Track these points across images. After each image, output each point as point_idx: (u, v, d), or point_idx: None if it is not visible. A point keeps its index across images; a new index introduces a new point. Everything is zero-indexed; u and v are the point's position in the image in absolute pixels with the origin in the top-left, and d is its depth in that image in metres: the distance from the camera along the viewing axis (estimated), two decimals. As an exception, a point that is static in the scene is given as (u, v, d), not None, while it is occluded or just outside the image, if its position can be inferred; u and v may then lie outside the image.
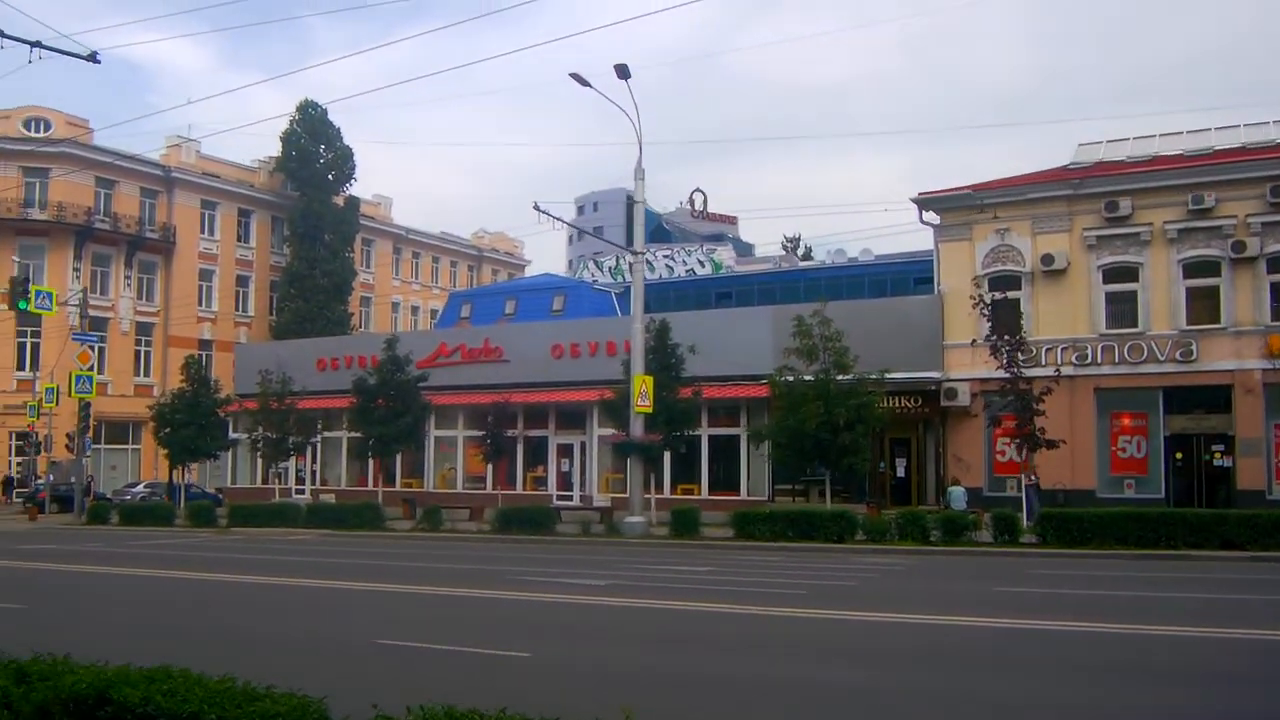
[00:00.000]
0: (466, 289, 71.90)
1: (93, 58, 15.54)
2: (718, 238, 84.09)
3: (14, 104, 53.57)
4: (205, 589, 17.32)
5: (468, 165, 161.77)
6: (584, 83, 27.03)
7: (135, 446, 56.06)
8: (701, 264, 65.22)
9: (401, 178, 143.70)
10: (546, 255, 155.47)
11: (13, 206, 51.70)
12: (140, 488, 47.48)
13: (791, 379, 28.82)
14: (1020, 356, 27.65)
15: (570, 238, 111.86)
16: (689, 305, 49.36)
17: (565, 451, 39.53)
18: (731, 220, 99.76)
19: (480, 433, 37.82)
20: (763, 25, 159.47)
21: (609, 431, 36.67)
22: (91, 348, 37.77)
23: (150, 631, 12.59)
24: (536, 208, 26.09)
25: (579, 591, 16.15)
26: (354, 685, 7.85)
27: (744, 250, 77.30)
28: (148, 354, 57.29)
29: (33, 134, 53.86)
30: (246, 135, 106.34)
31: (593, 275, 69.96)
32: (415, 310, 75.67)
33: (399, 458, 39.73)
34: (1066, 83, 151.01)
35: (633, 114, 27.67)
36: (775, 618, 13.30)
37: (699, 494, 35.67)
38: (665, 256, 67.02)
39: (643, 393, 27.55)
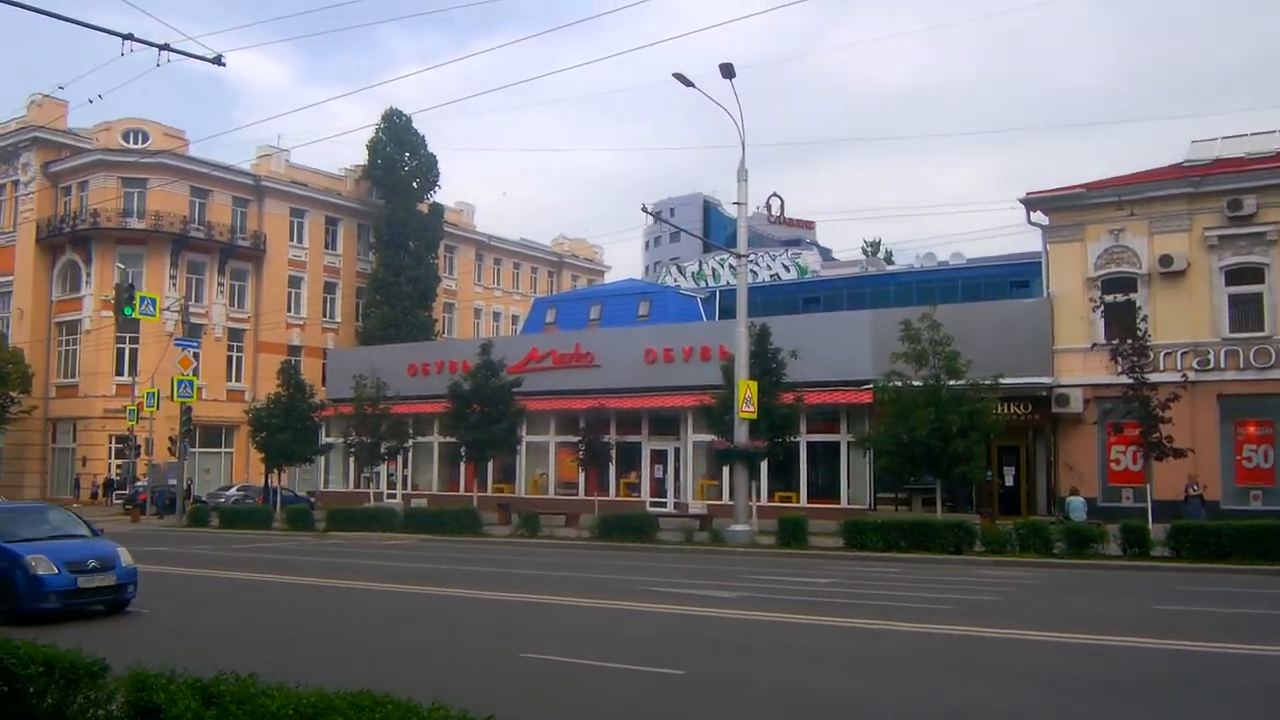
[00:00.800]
0: (551, 294, 71.90)
1: (218, 60, 15.43)
2: (795, 242, 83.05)
3: (114, 116, 54.74)
4: (331, 597, 17.08)
5: (542, 172, 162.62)
6: (687, 82, 26.59)
7: (228, 450, 56.89)
8: (786, 268, 64.41)
9: (480, 185, 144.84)
10: (621, 261, 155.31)
11: (113, 216, 52.79)
12: (233, 491, 48.08)
13: (900, 384, 27.96)
14: (1142, 361, 26.54)
15: (646, 243, 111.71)
16: (776, 310, 48.53)
17: (659, 457, 39.02)
18: (809, 225, 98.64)
19: (573, 438, 37.60)
20: (834, 31, 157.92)
21: (705, 437, 36.20)
22: (193, 354, 38.16)
23: (289, 641, 12.33)
24: (645, 209, 25.65)
25: (709, 604, 15.60)
26: (535, 709, 7.39)
27: (823, 255, 76.30)
28: (239, 359, 58.13)
29: (132, 145, 54.98)
30: (332, 144, 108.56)
31: (674, 280, 69.45)
32: (497, 316, 75.92)
33: (490, 463, 39.57)
34: (1148, 82, 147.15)
35: (735, 114, 27.11)
36: (934, 635, 12.63)
37: (797, 501, 34.89)
38: (749, 261, 66.21)
39: (747, 398, 26.94)
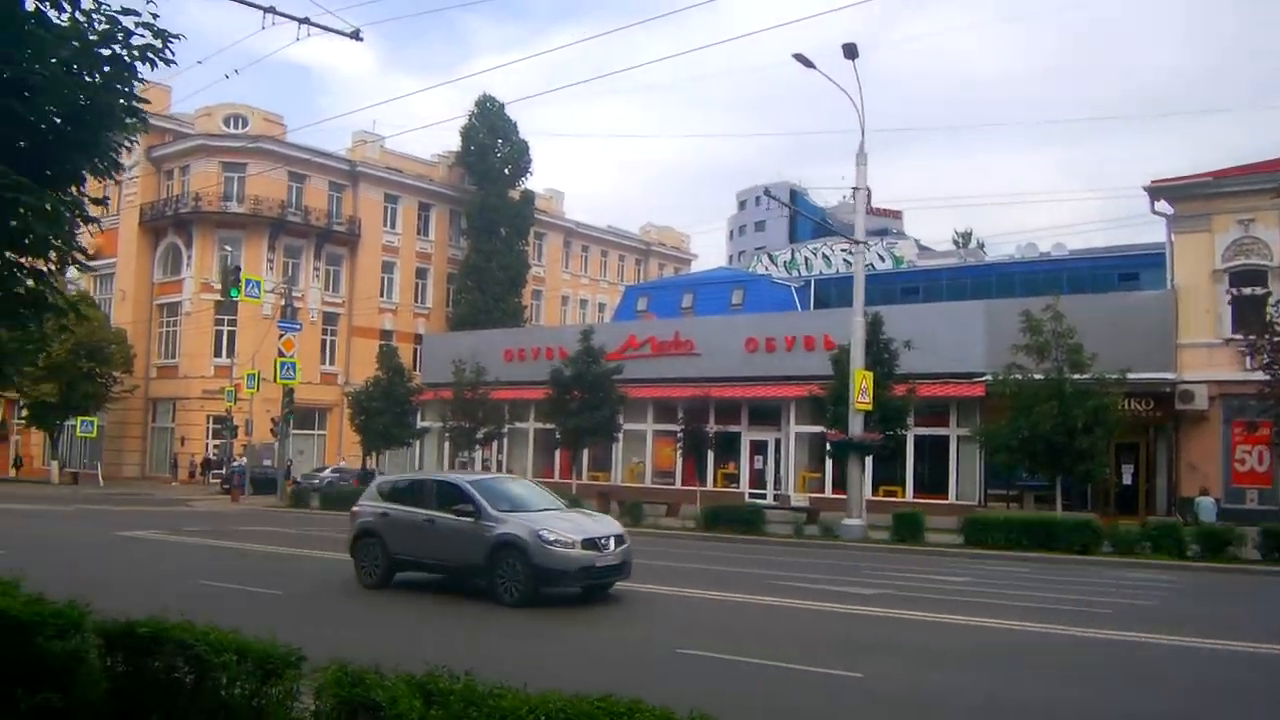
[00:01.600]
0: (642, 282, 71.56)
1: (356, 35, 15.19)
2: (883, 232, 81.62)
3: (215, 101, 55.59)
4: None
5: (624, 159, 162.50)
6: (808, 63, 25.89)
7: (321, 432, 57.59)
8: (881, 258, 63.21)
9: (565, 172, 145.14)
10: (703, 250, 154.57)
11: (213, 200, 53.64)
12: (328, 472, 48.56)
13: (1020, 377, 27.00)
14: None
15: (730, 233, 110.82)
16: (873, 300, 47.19)
17: (759, 448, 38.43)
18: (896, 215, 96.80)
19: (671, 427, 37.20)
20: (915, 20, 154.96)
21: (807, 428, 35.61)
22: (294, 337, 38.49)
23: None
24: (767, 193, 25.03)
25: (849, 601, 15.04)
26: (733, 712, 6.92)
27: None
28: (333, 343, 58.75)
29: (232, 130, 55.80)
30: (421, 130, 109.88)
31: (765, 269, 68.58)
32: (584, 303, 75.84)
33: (586, 450, 39.32)
34: (1233, 73, 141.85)
35: (856, 97, 26.30)
36: (1108, 641, 11.92)
37: (903, 496, 34.07)
38: (843, 250, 65.09)
39: (863, 389, 26.19)
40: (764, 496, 36.68)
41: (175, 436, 55.22)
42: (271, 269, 53.79)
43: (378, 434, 38.69)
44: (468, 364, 37.98)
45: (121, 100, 6.10)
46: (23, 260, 6.26)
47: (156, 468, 55.83)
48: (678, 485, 38.81)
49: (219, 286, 48.25)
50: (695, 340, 39.69)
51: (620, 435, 38.90)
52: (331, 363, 58.45)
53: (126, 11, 6.08)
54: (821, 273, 63.18)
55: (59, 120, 6.02)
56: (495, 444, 41.84)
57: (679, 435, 36.12)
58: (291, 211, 55.82)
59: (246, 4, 14.41)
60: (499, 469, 43.98)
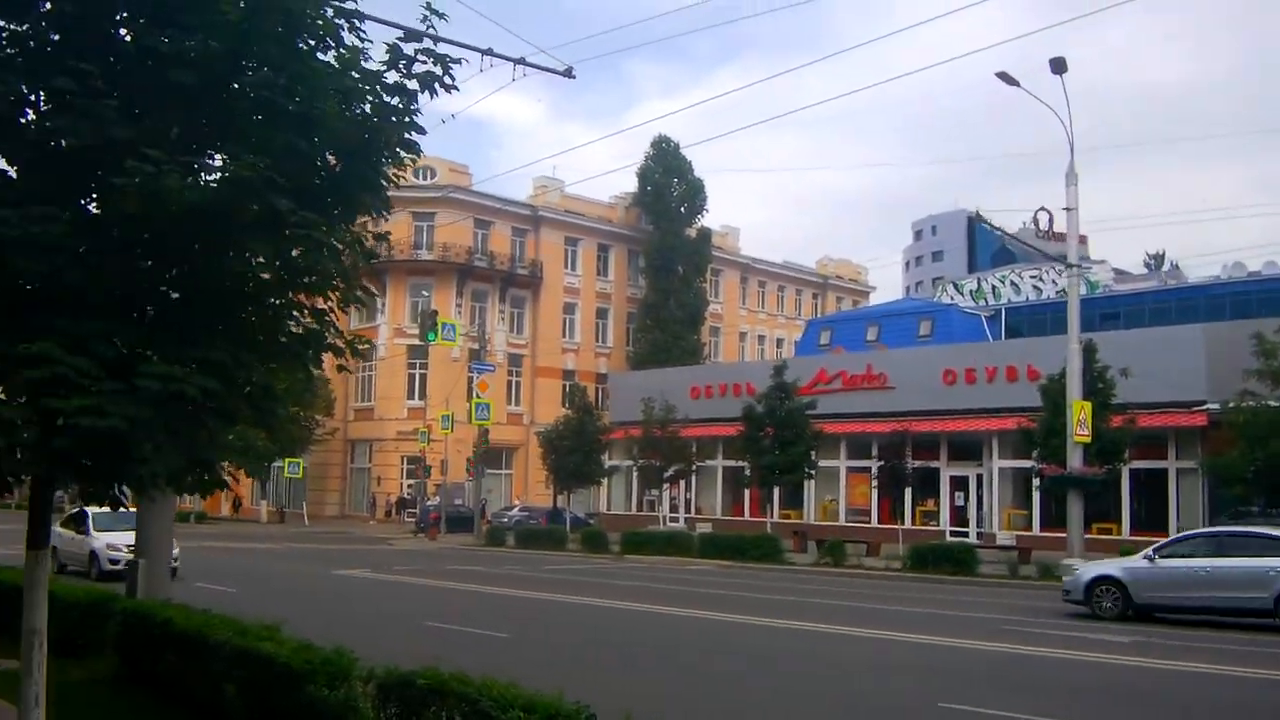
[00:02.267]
0: (823, 316, 70.43)
1: (569, 73, 15.23)
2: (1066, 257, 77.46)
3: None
4: (699, 628, 16.25)
5: (793, 193, 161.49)
6: (1012, 81, 24.86)
7: (508, 471, 58.68)
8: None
9: (740, 208, 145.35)
10: (878, 281, 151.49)
11: (405, 248, 55.68)
12: (515, 511, 49.28)
13: (1254, 404, 24.98)
14: None
15: (907, 263, 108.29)
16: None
17: (959, 483, 36.86)
18: (1081, 239, 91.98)
19: (865, 463, 36.12)
20: (1079, 37, 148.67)
21: (1012, 463, 34.00)
22: (486, 379, 39.31)
23: (707, 679, 11.64)
24: (978, 217, 23.93)
25: (1104, 649, 13.90)
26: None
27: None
28: (517, 384, 59.94)
29: (422, 181, 57.97)
30: (598, 170, 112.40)
31: (950, 298, 66.43)
32: (762, 339, 75.22)
33: (777, 488, 38.58)
34: None
35: (1063, 112, 25.02)
36: None
37: (1118, 533, 31.94)
38: (1032, 277, 62.46)
39: (1081, 420, 24.68)
40: (966, 535, 35.12)
41: (372, 476, 57.24)
42: (459, 313, 55.35)
43: (569, 472, 39.00)
44: (656, 402, 37.91)
45: (398, 132, 6.01)
46: (301, 298, 6.24)
47: (355, 507, 57.96)
48: (874, 523, 37.61)
49: (411, 331, 50.05)
50: (888, 373, 38.54)
51: (814, 472, 38.05)
52: (517, 403, 59.60)
53: (409, 36, 6.01)
54: (1010, 301, 60.74)
55: (338, 154, 5.98)
56: (684, 482, 41.58)
57: (877, 471, 35.00)
58: (478, 257, 57.47)
59: (466, 48, 14.56)
60: (687, 508, 43.73)
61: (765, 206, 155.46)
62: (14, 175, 5.82)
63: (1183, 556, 17.98)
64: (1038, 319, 54.23)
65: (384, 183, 6.20)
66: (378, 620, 16.16)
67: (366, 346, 6.54)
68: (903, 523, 36.54)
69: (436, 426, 45.31)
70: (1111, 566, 19.34)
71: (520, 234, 60.69)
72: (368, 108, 5.98)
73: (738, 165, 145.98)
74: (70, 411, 4.84)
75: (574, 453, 38.73)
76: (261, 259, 5.82)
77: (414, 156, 6.22)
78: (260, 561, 28.37)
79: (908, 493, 36.19)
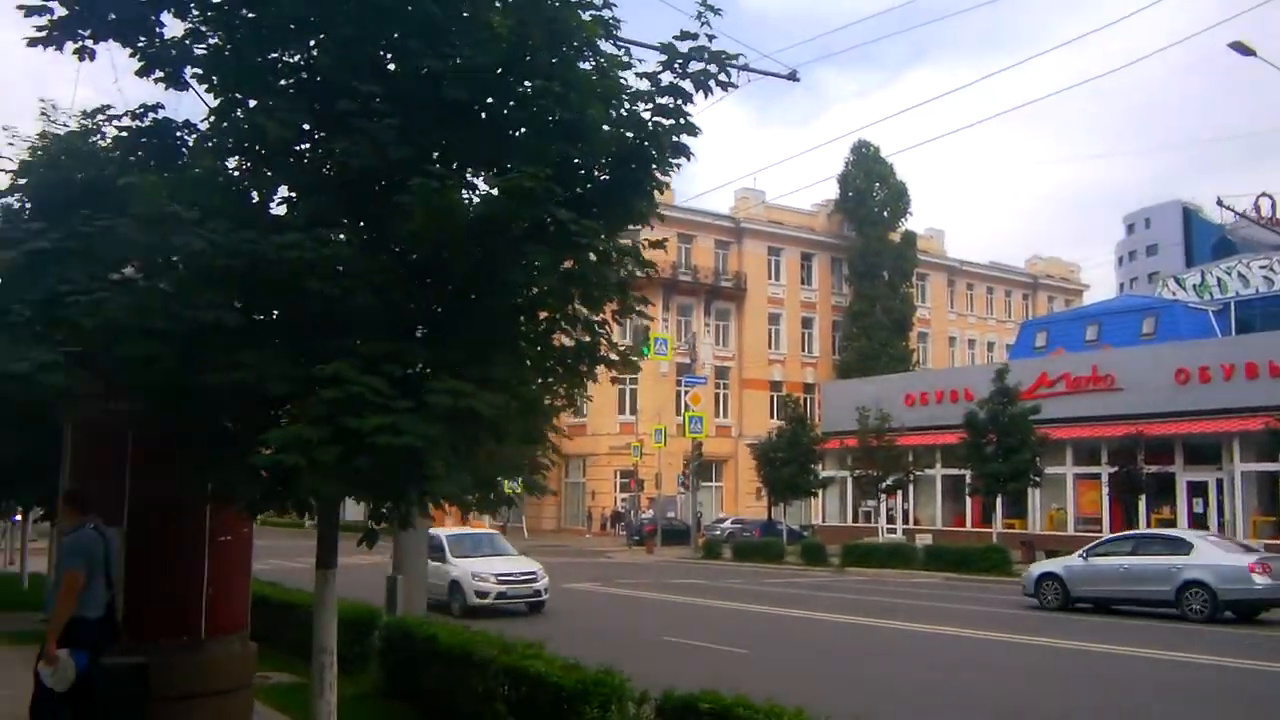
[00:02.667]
0: (1038, 317, 67.27)
1: (793, 76, 14.86)
2: (1285, 247, 71.25)
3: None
4: (958, 647, 15.48)
5: (996, 192, 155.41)
6: (1248, 52, 22.89)
7: (718, 484, 58.53)
8: (1303, 274, 55.24)
9: (943, 210, 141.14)
10: (1089, 278, 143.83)
11: (610, 265, 56.51)
12: (728, 523, 49.01)
13: None
14: None
15: (1119, 259, 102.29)
16: (1304, 322, 41.93)
17: (1197, 489, 34.26)
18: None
19: (1094, 469, 34.02)
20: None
21: (1257, 466, 31.45)
22: (699, 390, 39.26)
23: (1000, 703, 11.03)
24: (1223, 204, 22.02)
25: None
26: None
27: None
28: (725, 396, 59.74)
29: (623, 197, 58.80)
30: (800, 180, 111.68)
31: (1172, 293, 62.16)
32: (972, 343, 72.48)
33: (999, 497, 36.84)
34: None
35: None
36: None
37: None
38: (1262, 268, 57.55)
39: (1357, 419, 22.35)
40: (1211, 544, 32.52)
41: (586, 490, 58.20)
42: (666, 327, 55.65)
43: (784, 484, 38.41)
44: (871, 410, 36.90)
45: (670, 135, 5.79)
46: (575, 311, 6.10)
47: (570, 520, 59.07)
48: (1105, 532, 35.33)
49: (621, 345, 50.54)
50: (1115, 374, 36.23)
51: (1039, 480, 36.15)
52: (725, 415, 59.40)
53: (684, 35, 5.79)
54: (1239, 293, 56.23)
55: (609, 161, 5.81)
56: (902, 492, 40.31)
57: (1110, 478, 32.90)
58: (682, 271, 57.70)
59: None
60: (905, 518, 42.38)
61: (969, 207, 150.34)
62: (294, 201, 5.95)
63: (1108, 555, 20.73)
64: (1272, 312, 50.01)
65: (655, 189, 5.98)
66: (616, 635, 16.11)
67: (638, 358, 6.29)
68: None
69: (649, 440, 45.59)
70: (1054, 565, 21.89)
71: (723, 246, 60.64)
72: (642, 112, 5.79)
73: (938, 166, 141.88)
74: (368, 430, 4.81)
75: (788, 464, 38.14)
76: (537, 271, 5.69)
77: (685, 159, 5.96)
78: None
79: (1142, 500, 33.91)
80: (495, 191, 5.37)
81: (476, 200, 5.33)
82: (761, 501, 51.57)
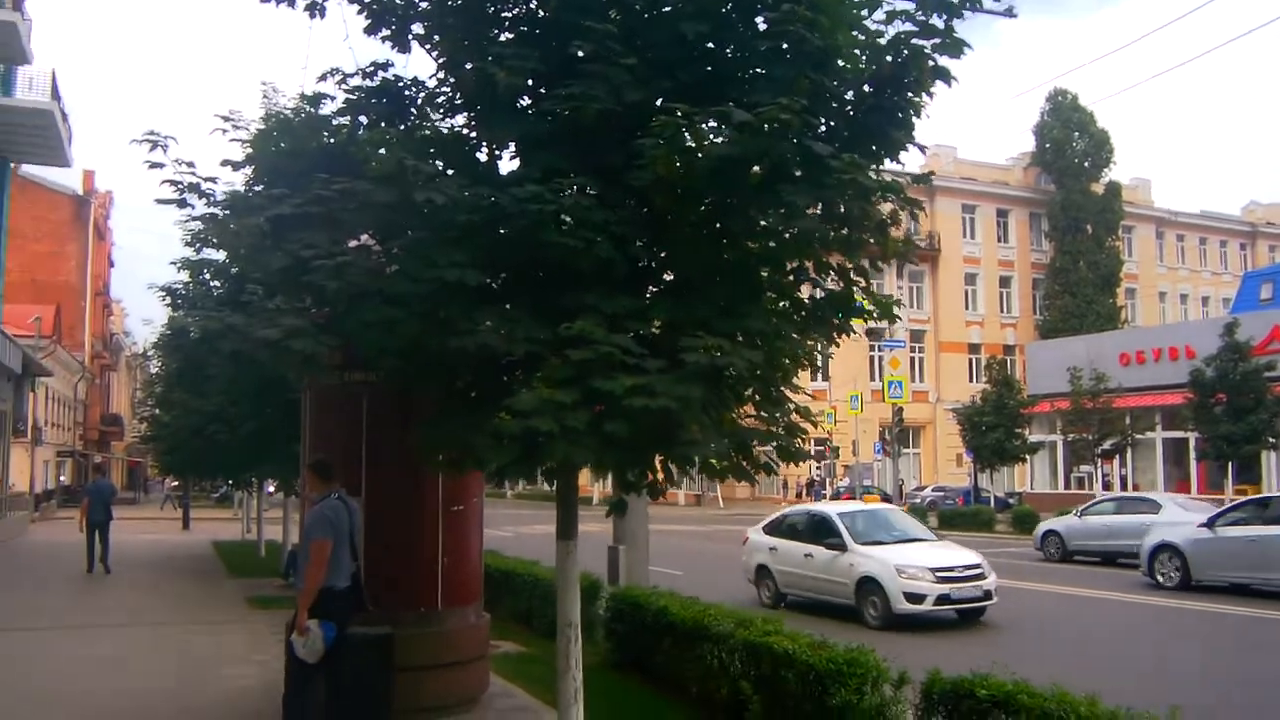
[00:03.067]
0: (1261, 268, 62.31)
1: (1009, 12, 13.72)
2: None
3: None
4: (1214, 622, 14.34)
5: (1205, 137, 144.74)
6: None
7: (915, 450, 56.90)
8: None
9: (1142, 158, 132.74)
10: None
11: (796, 230, 55.51)
12: (927, 491, 47.51)
13: None
14: None
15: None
16: None
17: None
18: None
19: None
20: None
21: None
22: (898, 354, 38.02)
23: None
24: None
25: None
26: None
27: None
28: (921, 360, 57.88)
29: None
30: (992, 134, 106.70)
31: None
32: (1184, 298, 67.87)
33: (1230, 463, 34.16)
34: None
35: None
36: None
37: None
38: None
39: None
40: None
41: (781, 459, 57.49)
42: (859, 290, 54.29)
43: (990, 450, 36.75)
44: (1083, 371, 34.85)
45: (931, 56, 5.19)
46: (830, 257, 5.61)
47: (765, 489, 58.51)
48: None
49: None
50: (1363, 325, 33.05)
51: (1276, 442, 33.32)
52: (921, 380, 57.55)
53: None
54: None
55: (863, 88, 5.27)
56: (1118, 457, 38.00)
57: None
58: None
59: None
60: (1122, 485, 39.98)
61: (1177, 154, 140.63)
62: (525, 155, 5.66)
63: (1097, 514, 23.18)
64: None
65: (915, 114, 5.38)
66: (826, 609, 15.55)
67: (899, 305, 5.73)
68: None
69: (844, 407, 44.53)
70: (1056, 523, 24.31)
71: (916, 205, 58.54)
72: (897, 32, 5.23)
73: (1139, 112, 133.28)
74: (622, 393, 4.47)
75: (995, 429, 36.48)
76: (786, 212, 5.20)
77: (946, 84, 5.35)
78: (692, 544, 28.97)
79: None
80: (737, 132, 4.88)
81: (719, 141, 4.86)
82: (961, 468, 49.73)
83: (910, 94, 5.29)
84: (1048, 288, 59.67)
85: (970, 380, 54.93)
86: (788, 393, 6.08)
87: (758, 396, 5.70)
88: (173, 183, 5.83)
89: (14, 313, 33.20)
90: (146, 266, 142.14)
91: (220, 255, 17.84)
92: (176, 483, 39.47)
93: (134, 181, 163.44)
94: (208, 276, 18.30)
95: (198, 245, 18.23)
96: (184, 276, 18.81)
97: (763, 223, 5.34)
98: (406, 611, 7.73)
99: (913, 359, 57.35)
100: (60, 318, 46.72)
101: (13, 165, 30.62)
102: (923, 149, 5.63)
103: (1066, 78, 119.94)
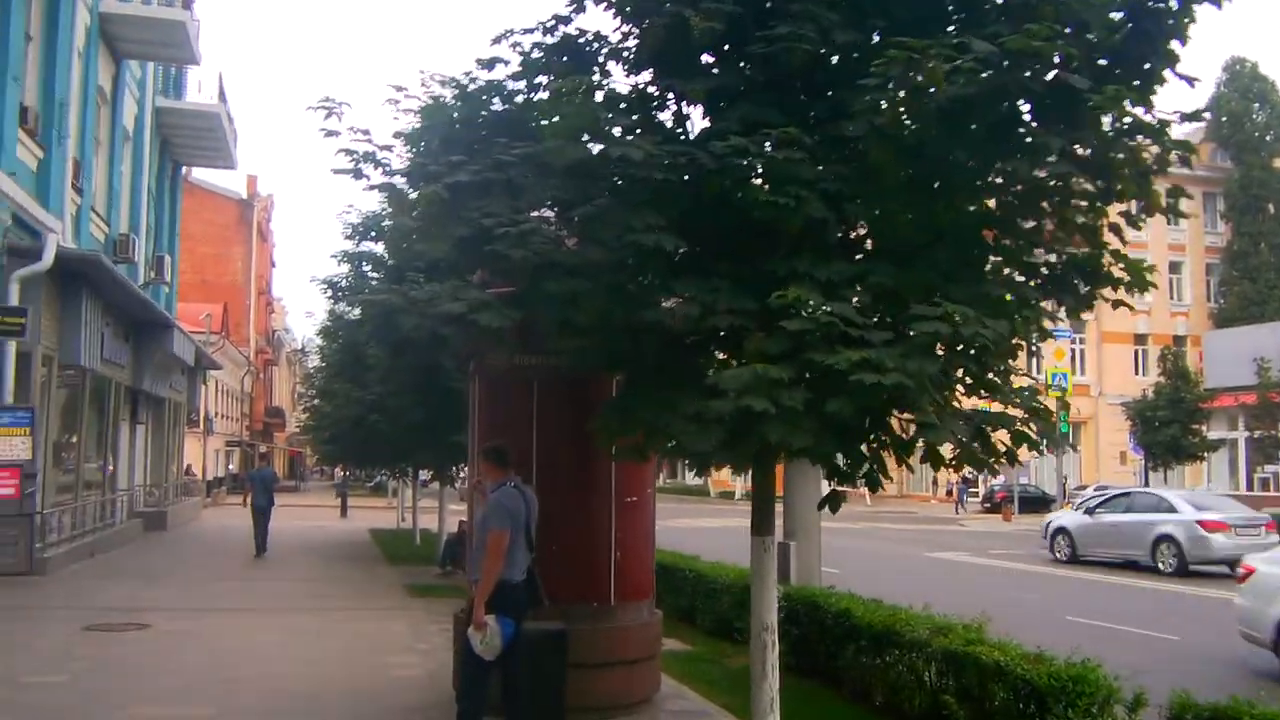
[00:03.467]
0: None
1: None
2: None
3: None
4: None
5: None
6: None
7: (1075, 447, 54.28)
8: None
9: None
10: None
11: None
12: (1090, 490, 45.11)
13: None
14: None
15: None
16: None
17: None
18: None
19: None
20: None
21: None
22: (1063, 344, 36.21)
23: None
24: None
25: None
26: None
27: None
28: (1081, 352, 55.14)
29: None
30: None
31: None
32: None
33: None
34: None
35: None
36: None
37: None
38: None
39: None
40: None
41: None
42: (1011, 279, 52.13)
43: (1164, 447, 34.61)
44: (1273, 362, 32.46)
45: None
46: (1071, 213, 4.90)
47: (912, 486, 56.86)
48: None
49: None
50: None
51: None
52: (1082, 372, 54.79)
53: None
54: None
55: (1116, 10, 4.53)
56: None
57: None
58: (1026, 218, 53.73)
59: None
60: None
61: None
62: (719, 110, 5.14)
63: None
64: None
65: (1178, 38, 4.61)
66: (1014, 612, 14.55)
67: (1153, 272, 4.98)
68: None
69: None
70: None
71: (1071, 187, 55.85)
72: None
73: None
74: (847, 367, 3.92)
75: (1169, 424, 34.32)
76: (1022, 157, 4.53)
77: (1215, 5, 4.57)
78: (844, 541, 28.08)
79: None
80: (978, 67, 4.23)
81: (958, 81, 4.22)
82: (1126, 466, 47.11)
83: (1170, 20, 4.53)
84: (1224, 273, 56.00)
85: (1136, 373, 52.12)
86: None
87: (991, 375, 5.03)
88: (348, 152, 5.54)
89: (186, 310, 34.59)
90: (303, 267, 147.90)
91: (378, 248, 18.08)
92: (346, 472, 40.73)
93: (290, 184, 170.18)
94: (367, 269, 18.54)
95: (357, 238, 18.51)
96: (343, 269, 19.12)
97: (992, 177, 4.68)
98: (577, 606, 7.34)
99: (1073, 350, 54.69)
100: (227, 315, 48.68)
101: (185, 169, 31.87)
102: (1190, 81, 4.78)
103: (1246, 45, 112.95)
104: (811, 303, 4.02)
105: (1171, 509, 20.24)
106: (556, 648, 6.62)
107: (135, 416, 24.56)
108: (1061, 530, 22.49)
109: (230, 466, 54.89)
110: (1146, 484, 39.38)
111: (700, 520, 33.95)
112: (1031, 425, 5.11)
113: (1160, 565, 19.58)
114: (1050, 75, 4.32)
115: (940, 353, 4.20)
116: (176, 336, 24.35)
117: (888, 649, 7.64)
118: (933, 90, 4.06)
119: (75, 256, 16.05)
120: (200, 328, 37.61)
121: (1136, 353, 53.98)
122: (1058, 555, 22.28)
